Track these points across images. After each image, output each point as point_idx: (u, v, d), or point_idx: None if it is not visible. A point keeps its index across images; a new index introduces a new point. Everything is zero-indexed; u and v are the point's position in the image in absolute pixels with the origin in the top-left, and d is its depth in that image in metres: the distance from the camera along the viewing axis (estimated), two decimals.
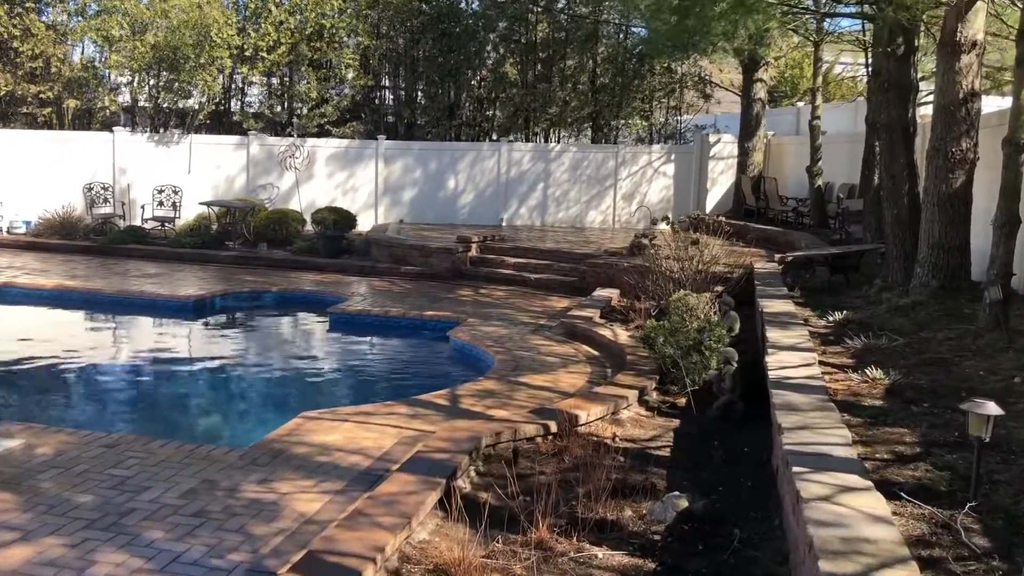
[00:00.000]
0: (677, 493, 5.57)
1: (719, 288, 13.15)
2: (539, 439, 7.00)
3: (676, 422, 7.85)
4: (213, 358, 11.24)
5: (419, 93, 22.85)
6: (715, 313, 10.29)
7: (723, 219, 13.28)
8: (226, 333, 12.94)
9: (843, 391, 6.59)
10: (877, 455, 5.10)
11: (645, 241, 13.50)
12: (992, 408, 4.41)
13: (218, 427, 8.39)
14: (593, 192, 21.69)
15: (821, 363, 7.38)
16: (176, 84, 20.27)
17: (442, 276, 16.20)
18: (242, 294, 14.30)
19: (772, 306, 9.90)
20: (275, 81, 21.46)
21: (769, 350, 7.47)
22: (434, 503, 5.48)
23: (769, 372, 6.70)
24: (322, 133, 21.22)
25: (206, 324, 13.01)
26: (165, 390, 9.84)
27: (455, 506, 5.42)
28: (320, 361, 11.48)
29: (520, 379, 9.05)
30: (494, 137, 22.77)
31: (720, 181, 21.82)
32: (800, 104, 25.18)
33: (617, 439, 7.20)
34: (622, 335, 10.77)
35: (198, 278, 15.38)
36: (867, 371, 6.76)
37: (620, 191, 21.67)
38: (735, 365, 7.96)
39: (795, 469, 4.42)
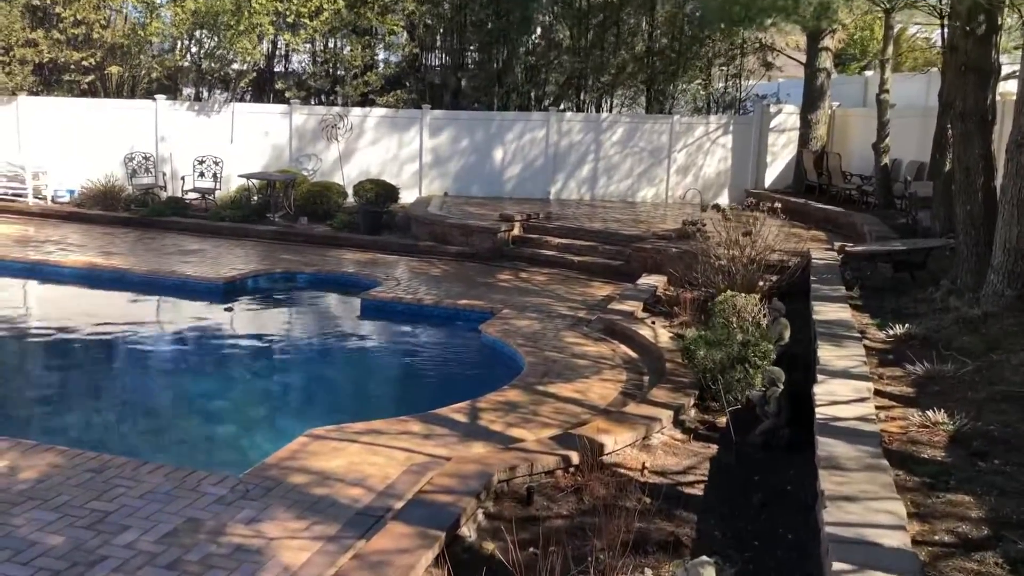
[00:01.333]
0: (705, 558, 4.93)
1: (773, 278, 12.36)
2: (559, 471, 6.41)
3: (713, 448, 7.18)
4: (230, 355, 10.75)
5: (467, 60, 22.07)
6: (764, 316, 9.55)
7: (779, 204, 12.36)
8: (250, 324, 12.43)
9: (898, 436, 5.84)
10: (935, 536, 4.39)
11: (693, 228, 12.69)
12: None
13: (218, 441, 7.94)
14: (646, 165, 20.78)
15: (877, 392, 6.63)
16: (218, 51, 19.84)
17: (483, 256, 15.61)
18: (275, 275, 13.90)
19: (827, 312, 9.10)
20: (318, 48, 20.85)
21: (819, 376, 6.73)
22: (428, 564, 4.93)
23: (817, 410, 5.98)
24: (366, 102, 20.64)
25: (231, 311, 12.59)
26: (172, 393, 9.36)
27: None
28: (344, 358, 10.97)
29: (548, 388, 8.45)
30: (544, 106, 21.93)
31: (781, 155, 20.72)
32: (868, 73, 23.76)
33: (646, 472, 6.57)
34: (663, 336, 10.07)
35: (234, 255, 15.03)
36: (928, 413, 5.99)
37: (674, 164, 20.73)
38: (781, 387, 7.24)
39: (836, 567, 3.75)
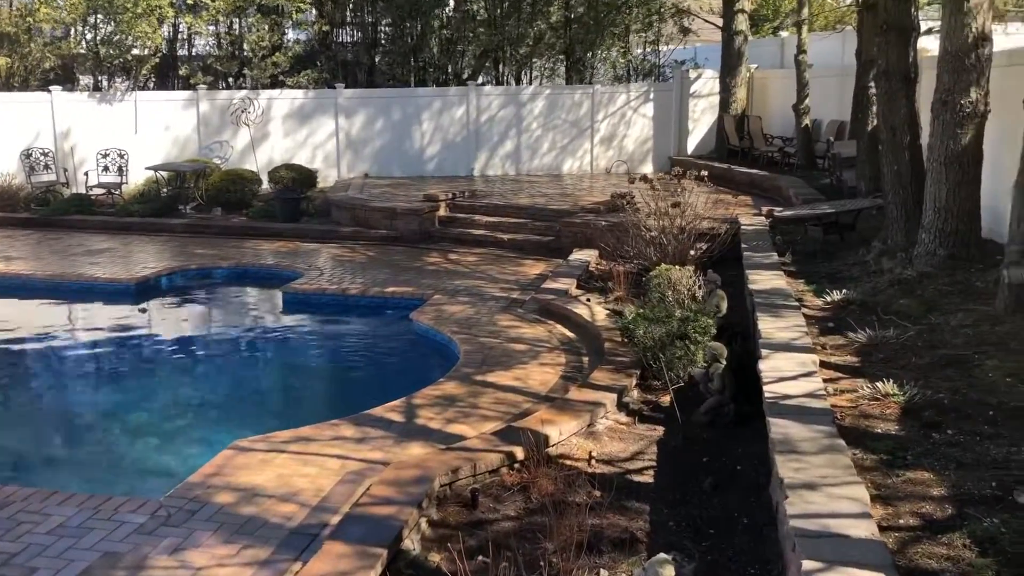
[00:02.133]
0: (662, 556, 4.70)
1: (704, 246, 12.23)
2: (503, 469, 6.10)
3: (660, 430, 6.97)
4: (145, 362, 10.07)
5: (380, 36, 21.40)
6: (700, 288, 9.38)
7: (704, 172, 12.22)
8: (165, 327, 11.69)
9: (850, 411, 5.69)
10: (901, 521, 4.22)
11: (622, 201, 12.47)
12: None
13: (135, 461, 7.38)
14: (569, 137, 20.52)
15: (823, 364, 6.48)
16: (116, 37, 18.80)
17: (410, 239, 15.17)
18: (189, 271, 13.25)
19: (762, 280, 8.97)
20: (222, 30, 19.92)
21: (762, 351, 6.55)
22: None
23: (764, 389, 5.79)
24: (276, 84, 19.87)
25: (145, 314, 11.90)
26: (83, 409, 8.72)
27: None
28: (267, 359, 10.45)
29: (486, 377, 8.13)
30: (463, 81, 21.43)
31: (702, 120, 20.67)
32: (784, 34, 23.87)
33: (593, 462, 6.32)
34: (600, 313, 9.83)
35: (146, 253, 14.30)
36: (878, 384, 5.85)
37: (597, 135, 20.50)
38: (723, 363, 7.05)
39: (807, 566, 3.53)
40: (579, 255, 12.98)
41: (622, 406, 7.34)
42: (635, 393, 7.65)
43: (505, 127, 20.26)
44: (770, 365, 6.26)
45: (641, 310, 8.02)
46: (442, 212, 15.85)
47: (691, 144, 20.67)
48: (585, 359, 8.75)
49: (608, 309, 10.42)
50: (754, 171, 16.98)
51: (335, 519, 5.33)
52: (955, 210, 8.50)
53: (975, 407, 5.50)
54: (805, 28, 16.60)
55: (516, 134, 20.35)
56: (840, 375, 6.29)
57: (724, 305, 8.65)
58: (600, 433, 6.85)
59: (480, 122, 20.11)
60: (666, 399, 7.55)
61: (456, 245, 14.91)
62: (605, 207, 14.44)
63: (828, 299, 8.12)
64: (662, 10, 21.17)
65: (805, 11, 16.49)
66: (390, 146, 19.91)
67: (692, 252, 11.86)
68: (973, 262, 8.51)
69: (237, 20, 19.78)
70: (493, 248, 14.65)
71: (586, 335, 9.48)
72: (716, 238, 12.17)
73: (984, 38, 8.18)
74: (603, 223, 13.27)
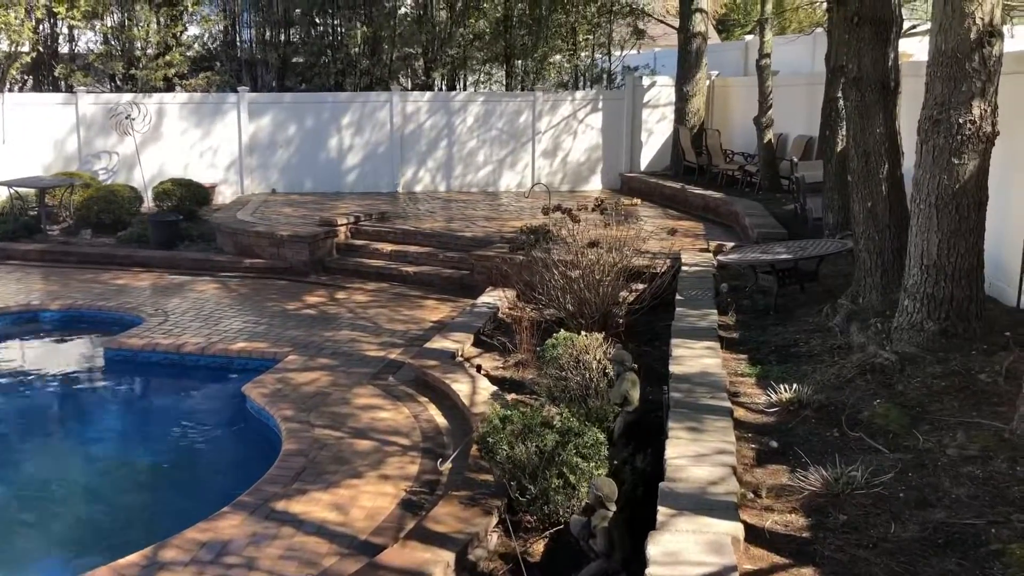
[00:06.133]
0: None
1: (641, 287, 9.94)
2: None
3: None
4: None
5: (292, 33, 18.92)
6: (608, 357, 7.04)
7: (636, 201, 9.90)
8: None
9: None
10: None
11: (532, 238, 10.16)
12: None
13: None
14: (507, 149, 18.16)
15: (752, 537, 4.14)
16: None
17: (299, 271, 12.80)
18: (8, 315, 10.73)
19: (688, 357, 6.64)
20: (106, 25, 17.35)
21: (661, 512, 4.19)
22: None
23: None
24: (171, 88, 17.39)
25: None
26: None
27: None
28: (53, 459, 7.44)
29: (293, 504, 5.74)
30: (386, 85, 19.02)
31: (658, 132, 18.37)
32: (749, 38, 21.62)
33: None
34: (483, 393, 7.46)
35: None
36: None
37: (540, 147, 18.15)
38: (611, 510, 4.70)
39: None
40: (490, 296, 10.64)
41: (466, 569, 4.97)
42: (493, 540, 5.28)
43: (435, 137, 17.89)
44: (666, 545, 3.91)
45: (508, 412, 5.65)
46: (342, 238, 13.47)
47: (645, 159, 18.38)
48: (448, 466, 6.39)
49: (503, 378, 8.12)
50: (709, 193, 14.70)
51: None
52: (950, 269, 6.21)
53: None
54: (769, 28, 14.32)
55: (447, 145, 17.97)
56: (777, 562, 3.94)
57: (635, 394, 6.31)
58: None
59: (406, 132, 17.71)
60: (540, 548, 5.22)
61: (352, 278, 12.54)
62: (527, 236, 12.09)
63: (774, 397, 5.77)
64: (613, 9, 18.81)
65: (769, 7, 14.19)
66: (303, 157, 17.48)
67: (624, 295, 9.58)
68: (974, 340, 6.22)
69: (125, 14, 17.18)
70: (396, 283, 12.31)
71: (461, 424, 7.13)
72: (656, 276, 9.89)
73: (992, 32, 5.89)
74: (520, 258, 10.92)
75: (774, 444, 5.19)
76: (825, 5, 15.15)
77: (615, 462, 5.49)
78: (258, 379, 8.20)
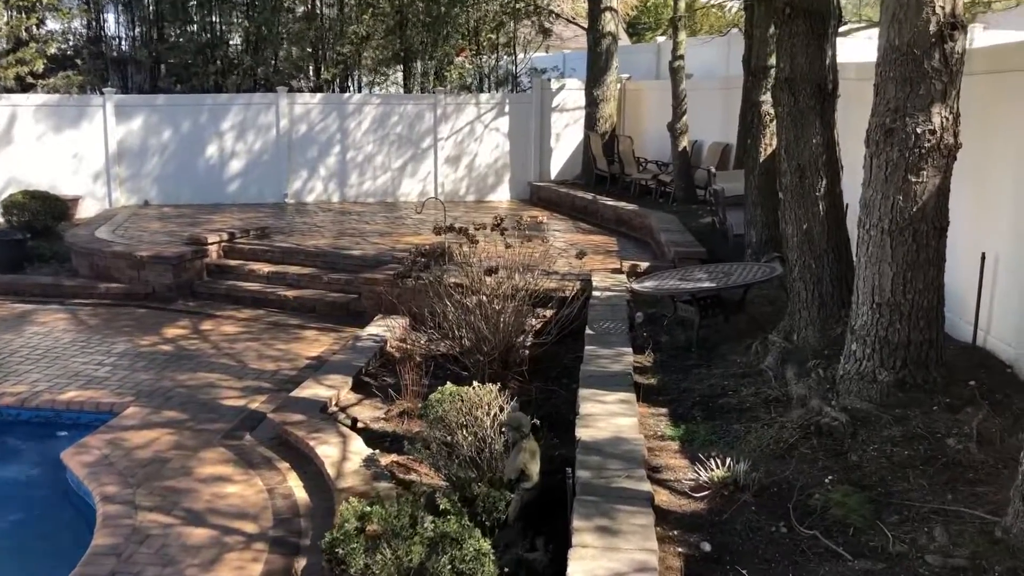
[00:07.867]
0: None
1: (548, 313, 8.79)
2: None
3: None
4: None
5: (165, 29, 17.20)
6: (500, 421, 5.81)
7: (543, 218, 8.75)
8: None
9: None
10: None
11: (422, 261, 8.89)
12: None
13: None
14: (407, 156, 16.82)
15: None
16: None
17: (163, 296, 11.23)
18: None
19: (598, 417, 5.47)
20: None
21: None
22: None
23: None
24: (26, 88, 15.50)
25: None
26: None
27: None
28: None
29: None
30: (271, 86, 17.48)
31: (568, 138, 17.30)
32: (661, 39, 20.77)
33: None
34: (354, 458, 6.15)
35: None
36: None
37: (443, 153, 16.87)
38: None
39: None
40: (378, 326, 9.36)
41: None
42: None
43: (327, 143, 16.44)
44: None
45: (368, 508, 4.36)
46: (213, 257, 11.94)
47: (555, 167, 17.30)
48: (301, 563, 5.07)
49: (383, 432, 6.86)
50: (622, 204, 13.67)
51: None
52: (906, 308, 5.18)
53: None
54: (682, 29, 13.36)
55: (341, 152, 16.54)
56: None
57: (534, 468, 5.10)
58: None
59: (294, 137, 16.22)
60: None
61: (223, 305, 11.05)
62: (424, 255, 10.79)
63: (704, 475, 4.63)
64: (517, 7, 17.66)
65: (682, 5, 13.22)
66: (179, 165, 15.81)
67: (531, 324, 8.41)
68: (934, 392, 5.20)
69: None
70: (273, 309, 10.87)
71: (324, 501, 5.81)
72: (564, 302, 8.73)
73: (955, 24, 4.88)
74: (410, 282, 9.61)
75: (707, 547, 4.03)
76: (741, 4, 14.32)
77: (504, 567, 4.26)
78: (82, 442, 6.72)
